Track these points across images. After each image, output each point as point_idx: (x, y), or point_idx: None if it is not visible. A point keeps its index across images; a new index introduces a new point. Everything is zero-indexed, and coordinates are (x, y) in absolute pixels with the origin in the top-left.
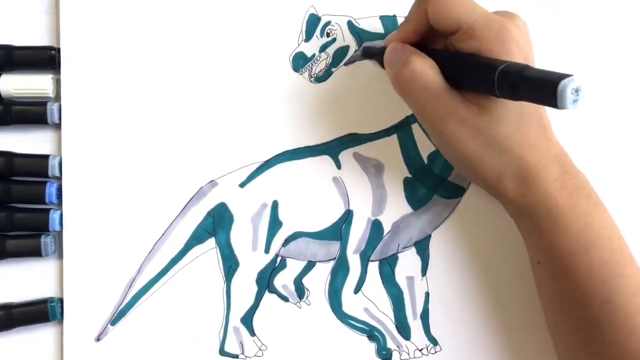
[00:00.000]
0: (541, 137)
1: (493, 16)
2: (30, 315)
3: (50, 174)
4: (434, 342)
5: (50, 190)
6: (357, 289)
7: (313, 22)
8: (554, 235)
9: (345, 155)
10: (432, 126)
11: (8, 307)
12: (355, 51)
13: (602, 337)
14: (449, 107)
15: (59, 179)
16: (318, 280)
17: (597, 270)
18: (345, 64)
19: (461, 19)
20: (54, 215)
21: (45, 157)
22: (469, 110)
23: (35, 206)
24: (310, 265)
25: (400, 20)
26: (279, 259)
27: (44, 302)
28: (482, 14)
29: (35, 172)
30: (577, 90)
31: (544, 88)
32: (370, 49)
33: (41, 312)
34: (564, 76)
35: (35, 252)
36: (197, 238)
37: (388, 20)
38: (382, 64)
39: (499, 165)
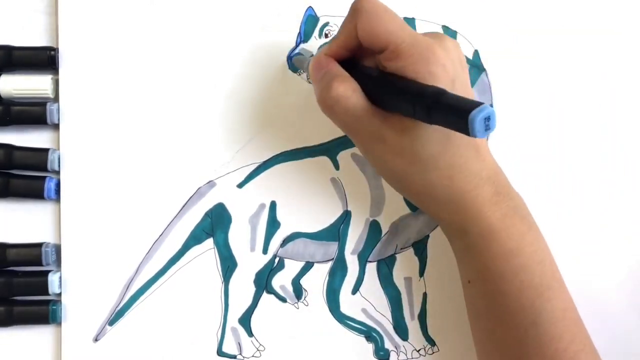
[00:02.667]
0: (473, 159)
1: (421, 37)
2: (30, 315)
3: (49, 167)
4: (432, 342)
5: (50, 185)
6: (355, 290)
7: (311, 22)
8: (485, 256)
9: (344, 156)
10: (358, 145)
11: (10, 304)
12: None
13: (527, 359)
14: (370, 129)
15: (58, 173)
16: (316, 280)
17: (526, 293)
18: None
19: (389, 38)
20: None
21: (45, 151)
22: (391, 131)
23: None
24: (308, 266)
25: None
26: (277, 260)
27: (46, 303)
28: (409, 34)
29: (35, 165)
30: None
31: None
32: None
33: (42, 314)
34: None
35: (35, 262)
36: (195, 238)
37: None
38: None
39: (426, 183)
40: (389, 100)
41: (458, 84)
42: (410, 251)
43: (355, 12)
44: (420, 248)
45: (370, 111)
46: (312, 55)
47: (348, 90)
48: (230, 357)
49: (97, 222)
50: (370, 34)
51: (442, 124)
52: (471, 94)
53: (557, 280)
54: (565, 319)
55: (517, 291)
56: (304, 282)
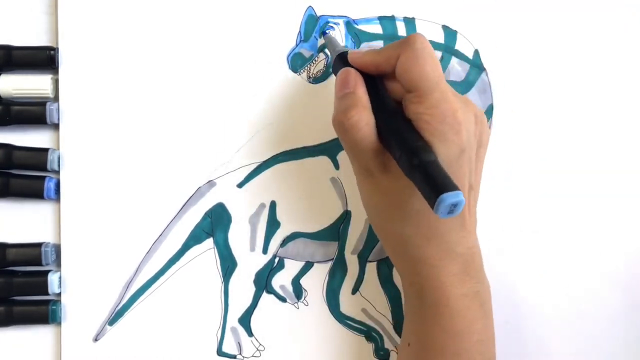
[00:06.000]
0: (455, 230)
1: (451, 96)
2: (30, 315)
3: (49, 167)
4: None
5: (49, 185)
6: (355, 290)
7: (311, 22)
8: (433, 328)
9: (344, 156)
10: (354, 171)
11: (9, 304)
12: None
13: None
14: (368, 163)
15: (57, 173)
16: (316, 280)
17: None
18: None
19: (422, 84)
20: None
21: (45, 151)
22: (387, 172)
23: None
24: (308, 266)
25: (399, 23)
26: (277, 260)
27: (46, 303)
28: (442, 89)
29: (35, 165)
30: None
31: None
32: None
33: (42, 314)
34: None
35: (35, 261)
36: (195, 238)
37: (386, 21)
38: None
39: (403, 236)
40: (388, 139)
41: (466, 157)
42: None
43: (405, 44)
44: None
45: (375, 147)
46: (318, 53)
47: (362, 122)
48: (230, 357)
49: (97, 222)
50: (408, 72)
51: (417, 185)
52: (477, 170)
53: None
54: None
55: None
56: (304, 282)
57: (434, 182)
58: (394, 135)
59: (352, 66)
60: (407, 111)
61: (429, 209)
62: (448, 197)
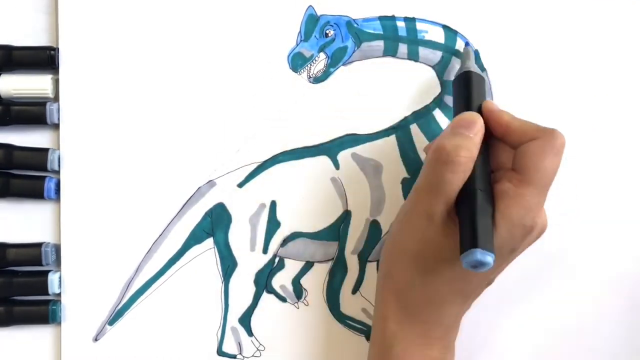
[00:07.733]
0: (459, 303)
1: (542, 206)
2: (30, 315)
3: (49, 167)
4: None
5: (50, 185)
6: (355, 289)
7: (312, 22)
8: None
9: (344, 156)
10: (419, 206)
11: (10, 304)
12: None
13: None
14: (441, 208)
15: (57, 173)
16: (316, 280)
17: None
18: (344, 64)
19: (535, 177)
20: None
21: (45, 151)
22: (445, 225)
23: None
24: (308, 266)
25: (399, 23)
26: (277, 259)
27: (46, 303)
28: (543, 194)
29: (35, 165)
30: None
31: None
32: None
33: (42, 314)
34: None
35: (35, 262)
36: (195, 238)
37: (386, 21)
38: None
39: (434, 285)
40: (460, 211)
41: (510, 258)
42: None
43: (549, 133)
44: None
45: (453, 196)
46: (318, 52)
47: (466, 166)
48: (231, 357)
49: (97, 222)
50: (534, 157)
51: (462, 224)
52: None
53: None
54: None
55: None
56: (304, 281)
57: (475, 234)
58: (466, 207)
59: (479, 111)
60: (499, 183)
61: (464, 287)
62: (470, 255)
